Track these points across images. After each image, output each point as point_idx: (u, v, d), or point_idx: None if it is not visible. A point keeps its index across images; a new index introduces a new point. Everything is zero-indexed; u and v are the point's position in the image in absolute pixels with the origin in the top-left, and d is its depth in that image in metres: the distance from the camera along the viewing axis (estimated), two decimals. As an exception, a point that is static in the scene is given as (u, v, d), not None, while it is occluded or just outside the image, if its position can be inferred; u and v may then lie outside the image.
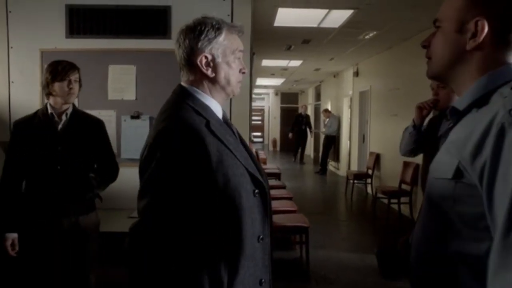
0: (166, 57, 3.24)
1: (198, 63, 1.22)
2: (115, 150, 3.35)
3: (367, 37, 6.13)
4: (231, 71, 1.26)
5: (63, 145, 2.24)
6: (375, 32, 5.85)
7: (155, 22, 3.22)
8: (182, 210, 1.13)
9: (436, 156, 0.98)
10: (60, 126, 2.27)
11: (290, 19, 5.17)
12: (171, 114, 1.20)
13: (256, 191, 1.24)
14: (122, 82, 3.25)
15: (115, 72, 3.26)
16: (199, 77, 1.26)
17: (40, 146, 2.21)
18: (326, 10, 4.76)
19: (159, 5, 3.23)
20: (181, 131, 1.14)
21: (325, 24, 5.39)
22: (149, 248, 1.12)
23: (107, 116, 3.31)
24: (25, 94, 3.24)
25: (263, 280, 1.26)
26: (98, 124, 2.44)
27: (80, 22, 3.22)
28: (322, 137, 11.16)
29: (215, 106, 1.28)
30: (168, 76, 3.24)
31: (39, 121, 2.26)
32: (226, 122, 1.33)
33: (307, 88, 15.62)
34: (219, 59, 1.24)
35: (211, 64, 1.23)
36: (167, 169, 1.12)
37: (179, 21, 3.24)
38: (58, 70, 2.22)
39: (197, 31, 1.22)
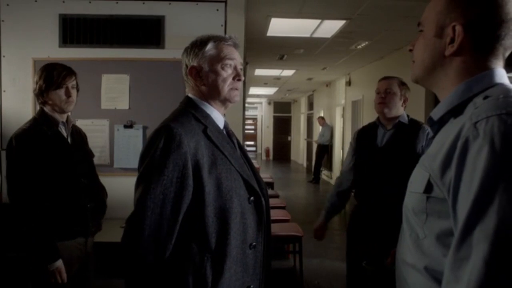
0: (160, 66, 3.25)
1: (190, 75, 1.35)
2: (108, 159, 3.35)
3: (359, 47, 6.20)
4: (219, 78, 1.32)
5: (78, 157, 2.06)
6: (367, 42, 5.92)
7: (149, 32, 3.23)
8: (172, 206, 1.18)
9: (414, 170, 0.96)
10: (70, 138, 2.08)
11: (283, 29, 5.21)
12: (169, 118, 1.28)
13: (251, 198, 1.28)
14: (115, 91, 3.25)
15: (109, 81, 3.26)
16: (196, 88, 1.36)
17: (58, 160, 1.95)
18: (319, 21, 4.81)
19: (153, 15, 3.24)
20: (175, 133, 1.19)
21: (317, 34, 5.44)
22: (136, 238, 1.16)
23: (100, 125, 3.30)
24: (17, 103, 3.22)
25: (251, 287, 1.28)
26: (85, 137, 2.34)
27: (73, 31, 3.22)
28: (315, 146, 11.19)
29: (216, 115, 1.35)
30: (161, 85, 3.25)
31: (47, 132, 1.99)
32: (227, 132, 1.40)
33: (300, 97, 15.70)
34: (206, 69, 1.32)
35: (200, 74, 1.33)
36: (159, 166, 1.17)
37: (172, 31, 3.25)
38: (53, 77, 1.98)
39: (188, 49, 1.36)
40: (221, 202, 1.22)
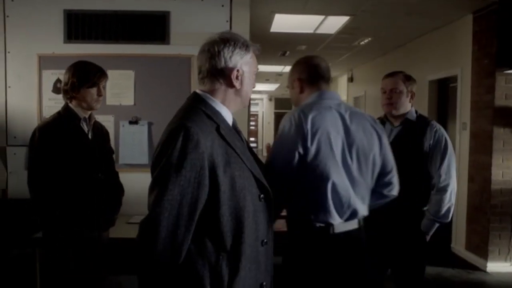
0: (165, 62, 3.25)
1: (231, 74, 1.30)
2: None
3: (362, 43, 6.19)
4: (250, 86, 1.36)
5: (97, 152, 2.11)
6: (370, 38, 5.90)
7: (154, 28, 3.23)
8: (189, 207, 1.17)
9: None
10: (90, 134, 2.13)
11: (287, 25, 5.20)
12: (183, 116, 1.25)
13: (262, 195, 1.29)
14: (120, 87, 3.24)
15: (114, 77, 3.25)
16: (223, 87, 1.32)
17: (76, 154, 2.01)
18: (323, 17, 4.80)
19: (158, 11, 3.24)
20: (192, 132, 1.17)
21: (321, 30, 5.43)
22: (153, 241, 1.14)
23: (105, 122, 3.28)
24: (22, 99, 3.22)
25: (264, 284, 1.31)
26: (107, 133, 2.38)
27: (78, 27, 3.22)
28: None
29: (226, 113, 1.33)
30: (166, 81, 3.25)
31: (69, 127, 2.05)
32: (235, 128, 1.39)
33: (301, 93, 15.68)
34: (245, 74, 1.33)
35: (240, 77, 1.32)
36: (176, 167, 1.15)
37: (178, 27, 3.25)
38: (88, 75, 2.04)
39: (231, 46, 1.30)
40: (236, 201, 1.22)
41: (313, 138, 1.60)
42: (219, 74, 1.30)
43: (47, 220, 1.96)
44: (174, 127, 1.20)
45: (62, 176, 1.95)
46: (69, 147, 1.98)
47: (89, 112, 2.14)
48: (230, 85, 1.31)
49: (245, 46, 1.32)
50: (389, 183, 1.81)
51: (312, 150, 1.60)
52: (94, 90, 2.06)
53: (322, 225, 1.62)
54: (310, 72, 1.79)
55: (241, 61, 1.31)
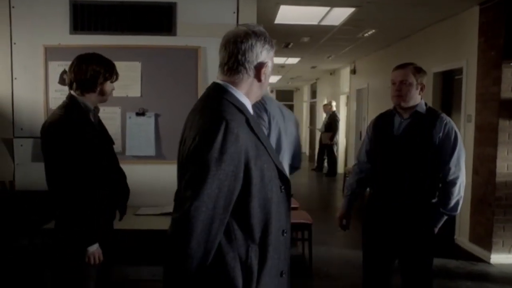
0: (172, 53, 3.24)
1: (261, 68, 1.31)
2: (119, 147, 3.35)
3: (366, 35, 6.16)
4: (268, 79, 1.39)
5: (104, 145, 2.10)
6: (374, 30, 5.87)
7: (160, 19, 3.21)
8: (224, 201, 1.18)
9: None
10: (97, 126, 2.12)
11: (291, 16, 5.17)
12: (217, 107, 1.24)
13: (283, 187, 1.32)
14: (127, 79, 3.23)
15: (120, 68, 3.19)
16: (250, 79, 1.32)
17: (90, 148, 1.97)
18: (328, 8, 4.77)
19: (165, 2, 3.22)
20: (232, 126, 1.18)
21: (325, 22, 5.40)
22: (188, 235, 1.14)
23: (111, 113, 3.30)
24: (28, 91, 3.22)
25: (283, 272, 1.34)
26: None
27: (84, 18, 3.20)
28: (317, 134, 11.19)
29: (248, 104, 1.34)
30: (173, 73, 3.24)
31: (82, 121, 2.00)
32: None
33: (302, 85, 15.65)
34: (268, 68, 1.34)
35: (266, 71, 1.33)
36: (217, 161, 1.15)
37: (184, 18, 3.23)
38: (114, 71, 2.07)
39: (263, 40, 1.30)
40: (264, 193, 1.24)
41: None
42: (250, 67, 1.30)
43: (70, 217, 1.92)
44: (214, 120, 1.19)
45: (79, 171, 1.91)
46: (82, 141, 1.93)
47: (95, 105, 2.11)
48: (258, 78, 1.33)
49: (271, 42, 1.34)
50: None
51: None
52: (112, 86, 2.09)
53: None
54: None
55: (268, 56, 1.32)
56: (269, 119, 2.10)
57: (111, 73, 2.05)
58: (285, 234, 1.33)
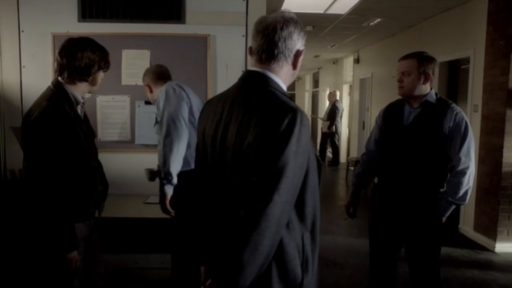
0: (181, 41, 3.22)
1: (299, 56, 1.30)
2: (129, 136, 3.35)
3: (371, 24, 6.12)
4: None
5: (89, 138, 1.94)
6: (380, 19, 5.83)
7: (169, 6, 3.19)
8: (294, 192, 1.17)
9: None
10: (82, 118, 1.93)
11: (297, 4, 5.13)
12: (277, 101, 1.20)
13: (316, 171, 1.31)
14: (136, 67, 3.22)
15: (129, 57, 3.23)
16: (287, 67, 1.30)
17: (76, 142, 1.82)
18: (335, -4, 4.74)
19: (174, -11, 3.19)
20: (305, 117, 1.17)
21: (331, 11, 5.36)
22: (264, 227, 1.11)
23: (120, 102, 3.30)
24: (37, 79, 3.21)
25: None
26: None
27: (93, 6, 3.18)
28: (319, 123, 11.18)
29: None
30: (182, 61, 3.23)
31: (67, 113, 1.80)
32: None
33: (304, 75, 15.58)
34: (301, 56, 1.32)
35: (298, 59, 1.31)
36: (295, 154, 1.13)
37: (193, 6, 3.21)
38: (108, 60, 1.91)
39: (299, 28, 1.28)
40: (314, 181, 1.25)
41: None
42: (289, 55, 1.28)
43: (48, 219, 1.78)
44: (286, 112, 1.15)
45: (62, 165, 1.76)
46: (69, 135, 1.78)
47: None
48: (294, 66, 1.31)
49: (304, 29, 1.32)
50: None
51: None
52: (102, 75, 1.91)
53: None
54: None
55: (303, 44, 1.31)
56: None
57: (105, 62, 1.88)
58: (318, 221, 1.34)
